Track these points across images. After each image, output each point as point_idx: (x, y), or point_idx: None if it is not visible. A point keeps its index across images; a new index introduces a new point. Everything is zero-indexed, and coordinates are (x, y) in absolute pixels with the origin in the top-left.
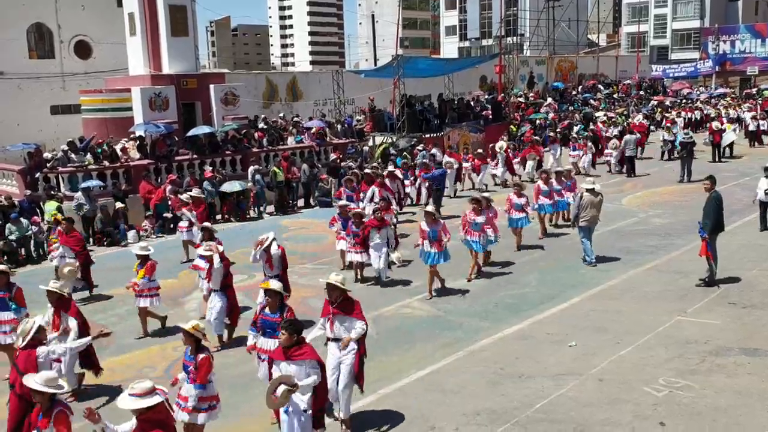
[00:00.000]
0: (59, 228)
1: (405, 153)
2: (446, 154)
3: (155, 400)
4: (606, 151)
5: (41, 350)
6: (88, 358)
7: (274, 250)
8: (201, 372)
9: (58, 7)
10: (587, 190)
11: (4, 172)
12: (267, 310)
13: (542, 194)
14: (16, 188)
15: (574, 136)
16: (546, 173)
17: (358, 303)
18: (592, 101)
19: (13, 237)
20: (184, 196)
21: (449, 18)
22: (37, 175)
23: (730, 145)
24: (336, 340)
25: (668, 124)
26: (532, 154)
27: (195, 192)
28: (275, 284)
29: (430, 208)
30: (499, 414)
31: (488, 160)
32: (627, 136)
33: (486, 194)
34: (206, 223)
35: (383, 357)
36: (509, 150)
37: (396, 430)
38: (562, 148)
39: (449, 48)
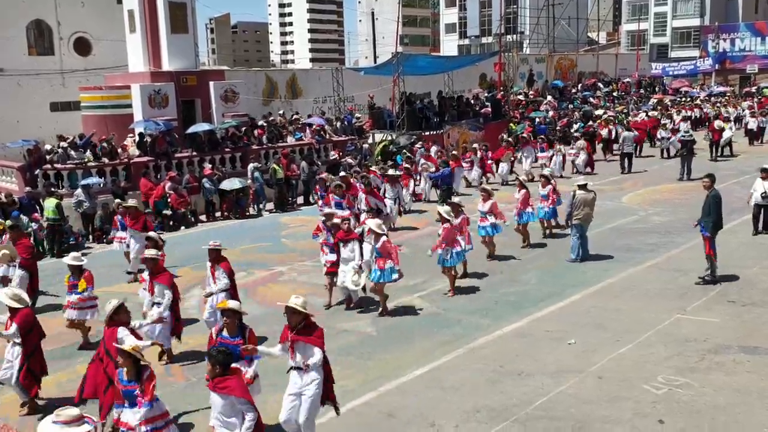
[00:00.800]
0: (5, 236)
1: (405, 151)
2: (422, 157)
3: (82, 429)
4: (570, 151)
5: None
6: None
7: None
8: (148, 390)
9: (57, 3)
10: (580, 188)
11: (3, 168)
12: (225, 332)
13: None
14: (15, 185)
15: (575, 135)
16: (544, 178)
17: (320, 329)
18: (591, 99)
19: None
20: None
21: (449, 15)
22: (37, 171)
23: (729, 144)
24: (298, 368)
25: (666, 121)
26: (508, 154)
27: (131, 202)
28: (233, 303)
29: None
30: (499, 411)
31: (462, 162)
32: (624, 133)
33: (456, 199)
34: (152, 233)
35: (383, 354)
36: (482, 151)
37: (396, 427)
38: (555, 149)
39: (449, 46)
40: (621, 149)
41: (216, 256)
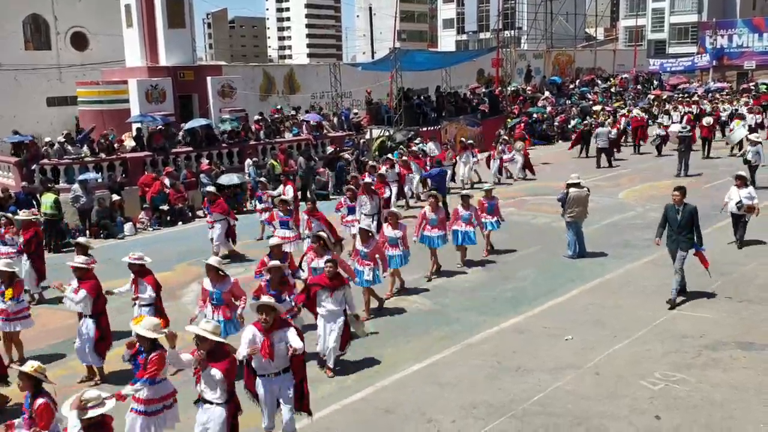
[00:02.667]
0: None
1: (401, 146)
2: (409, 158)
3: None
4: (505, 156)
5: None
6: None
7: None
8: (42, 421)
9: None
10: (572, 185)
11: (1, 163)
12: None
13: (461, 219)
14: (12, 180)
15: (574, 132)
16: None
17: (229, 359)
18: (589, 95)
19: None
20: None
21: (447, 11)
22: (33, 167)
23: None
24: (204, 401)
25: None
26: (448, 155)
27: (23, 215)
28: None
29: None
30: (496, 407)
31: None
32: (599, 129)
33: (395, 209)
34: (81, 239)
35: (381, 349)
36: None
37: (393, 422)
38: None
39: (447, 41)
40: (596, 144)
41: (139, 270)
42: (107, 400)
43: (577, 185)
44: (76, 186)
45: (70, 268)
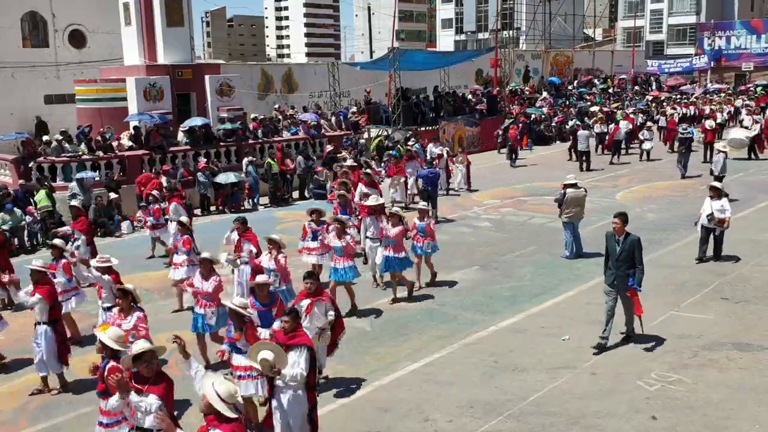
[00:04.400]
0: None
1: (399, 146)
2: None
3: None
4: (450, 166)
5: None
6: None
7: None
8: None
9: None
10: (569, 186)
11: None
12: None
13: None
14: (9, 178)
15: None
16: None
17: (166, 384)
18: (587, 96)
19: (6, 227)
20: None
21: (445, 11)
22: (31, 164)
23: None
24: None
25: (649, 125)
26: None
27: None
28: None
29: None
30: (494, 406)
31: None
32: (581, 132)
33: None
34: (57, 240)
35: (378, 348)
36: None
37: (390, 421)
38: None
39: (445, 41)
40: (579, 147)
41: (106, 272)
42: None
43: (574, 185)
44: (73, 184)
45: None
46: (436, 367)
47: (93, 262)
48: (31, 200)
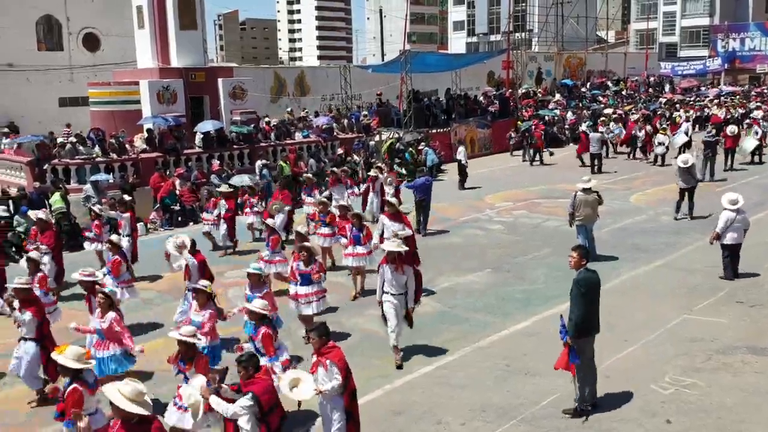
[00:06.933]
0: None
1: (411, 149)
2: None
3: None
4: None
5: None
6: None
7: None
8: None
9: None
10: (581, 190)
11: (13, 163)
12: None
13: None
14: (24, 180)
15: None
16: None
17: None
18: (600, 98)
19: (21, 228)
20: None
21: (457, 13)
22: (45, 167)
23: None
24: None
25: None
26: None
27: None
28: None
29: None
30: (506, 410)
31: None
32: (592, 134)
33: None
34: (32, 254)
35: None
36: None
37: (403, 424)
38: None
39: (457, 43)
40: (591, 150)
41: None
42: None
43: (586, 190)
44: (87, 186)
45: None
46: (449, 370)
47: (75, 275)
48: (46, 202)
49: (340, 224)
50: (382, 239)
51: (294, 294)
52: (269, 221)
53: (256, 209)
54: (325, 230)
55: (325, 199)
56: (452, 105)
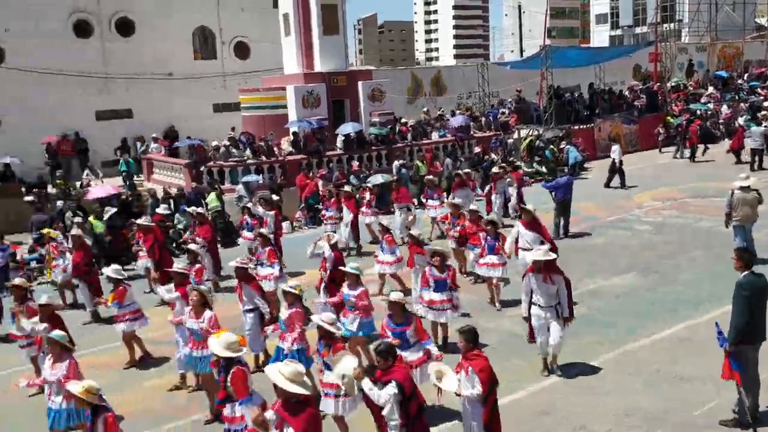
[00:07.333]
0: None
1: (552, 146)
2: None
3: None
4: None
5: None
6: None
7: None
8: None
9: (220, 10)
10: (739, 188)
11: (173, 165)
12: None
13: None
14: (183, 181)
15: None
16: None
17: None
18: (759, 90)
19: (180, 226)
20: None
21: (600, 6)
22: (202, 168)
23: None
24: None
25: None
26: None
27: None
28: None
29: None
30: (654, 416)
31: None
32: (753, 128)
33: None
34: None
35: (531, 353)
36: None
37: (548, 425)
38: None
39: (600, 37)
40: (751, 145)
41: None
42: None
43: (745, 188)
44: (239, 187)
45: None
46: (592, 374)
47: (232, 263)
48: (203, 202)
49: (470, 230)
50: (516, 249)
51: (428, 300)
52: (384, 221)
53: (372, 210)
54: (456, 233)
55: (458, 202)
56: (595, 100)
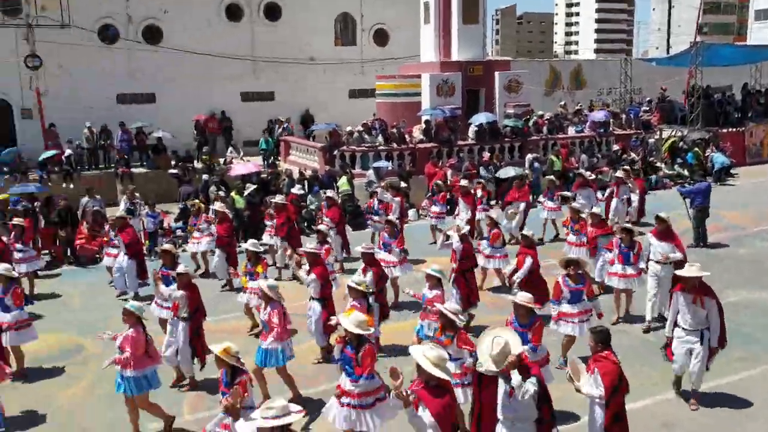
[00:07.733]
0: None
1: (696, 149)
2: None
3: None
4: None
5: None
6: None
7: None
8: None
9: None
10: None
11: (309, 148)
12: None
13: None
14: (317, 164)
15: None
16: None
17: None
18: None
19: (313, 207)
20: None
21: (761, 0)
22: (335, 152)
23: None
24: None
25: None
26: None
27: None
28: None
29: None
30: None
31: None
32: None
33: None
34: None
35: (662, 362)
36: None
37: None
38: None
39: (759, 34)
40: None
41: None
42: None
43: None
44: (370, 172)
45: None
46: (733, 391)
47: (358, 248)
48: (334, 184)
49: (590, 235)
50: (647, 261)
51: (557, 313)
52: (493, 215)
53: (483, 206)
54: (573, 239)
55: (579, 206)
56: (749, 102)
